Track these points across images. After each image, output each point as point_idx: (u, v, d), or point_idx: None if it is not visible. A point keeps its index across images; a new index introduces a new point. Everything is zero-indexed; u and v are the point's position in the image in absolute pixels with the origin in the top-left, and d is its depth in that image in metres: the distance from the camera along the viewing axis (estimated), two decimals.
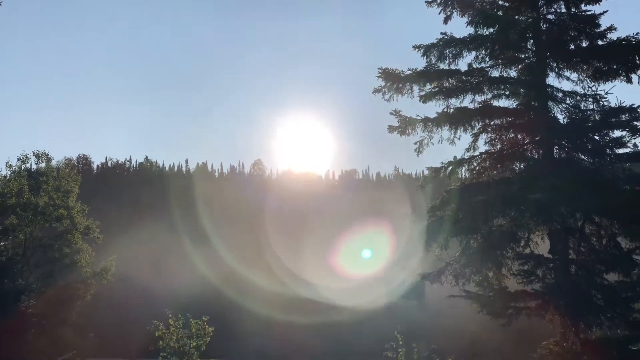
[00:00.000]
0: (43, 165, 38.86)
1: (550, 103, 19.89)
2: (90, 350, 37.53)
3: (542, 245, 19.29)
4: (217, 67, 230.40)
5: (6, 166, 38.11)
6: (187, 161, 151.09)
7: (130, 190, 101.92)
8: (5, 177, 37.95)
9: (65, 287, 37.06)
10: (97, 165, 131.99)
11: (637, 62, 18.83)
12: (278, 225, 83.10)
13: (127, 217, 76.99)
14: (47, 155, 38.98)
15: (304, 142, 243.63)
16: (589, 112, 19.34)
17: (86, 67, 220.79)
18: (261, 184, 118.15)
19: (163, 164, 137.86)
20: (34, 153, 38.63)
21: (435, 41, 20.20)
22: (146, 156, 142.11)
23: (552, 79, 20.06)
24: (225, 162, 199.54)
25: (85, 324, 38.44)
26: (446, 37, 20.10)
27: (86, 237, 38.76)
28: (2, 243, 36.70)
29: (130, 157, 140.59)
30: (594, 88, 19.43)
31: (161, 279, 63.37)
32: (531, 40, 20.16)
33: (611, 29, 19.10)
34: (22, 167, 38.29)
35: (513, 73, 20.56)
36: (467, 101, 20.48)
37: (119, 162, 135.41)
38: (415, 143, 20.61)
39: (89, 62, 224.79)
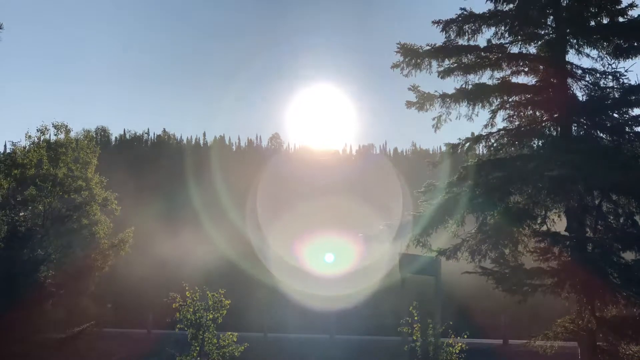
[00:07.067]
0: (62, 136, 38.79)
1: (569, 80, 19.76)
2: (107, 321, 37.81)
3: (559, 223, 19.26)
4: (233, 41, 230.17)
5: (26, 137, 38.18)
6: (204, 134, 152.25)
7: (148, 163, 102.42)
8: (24, 148, 37.98)
9: (83, 258, 37.21)
10: (116, 137, 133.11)
11: None
12: (296, 198, 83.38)
13: (144, 190, 77.31)
14: (67, 126, 38.91)
15: (322, 117, 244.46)
16: (608, 90, 19.19)
17: (102, 40, 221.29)
18: (279, 158, 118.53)
19: (181, 136, 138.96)
20: (53, 124, 38.58)
21: (454, 16, 20.10)
22: (164, 129, 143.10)
23: (571, 56, 19.92)
24: (243, 136, 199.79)
25: (103, 295, 38.71)
26: (465, 12, 19.96)
27: (104, 208, 38.85)
28: (22, 214, 36.84)
29: (148, 129, 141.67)
30: (613, 65, 19.27)
31: (178, 251, 63.79)
32: (551, 17, 19.96)
33: (632, 5, 18.85)
34: (42, 138, 38.25)
35: (532, 49, 20.38)
36: (486, 77, 20.43)
37: (137, 134, 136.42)
38: (433, 119, 20.64)
39: (106, 35, 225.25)
